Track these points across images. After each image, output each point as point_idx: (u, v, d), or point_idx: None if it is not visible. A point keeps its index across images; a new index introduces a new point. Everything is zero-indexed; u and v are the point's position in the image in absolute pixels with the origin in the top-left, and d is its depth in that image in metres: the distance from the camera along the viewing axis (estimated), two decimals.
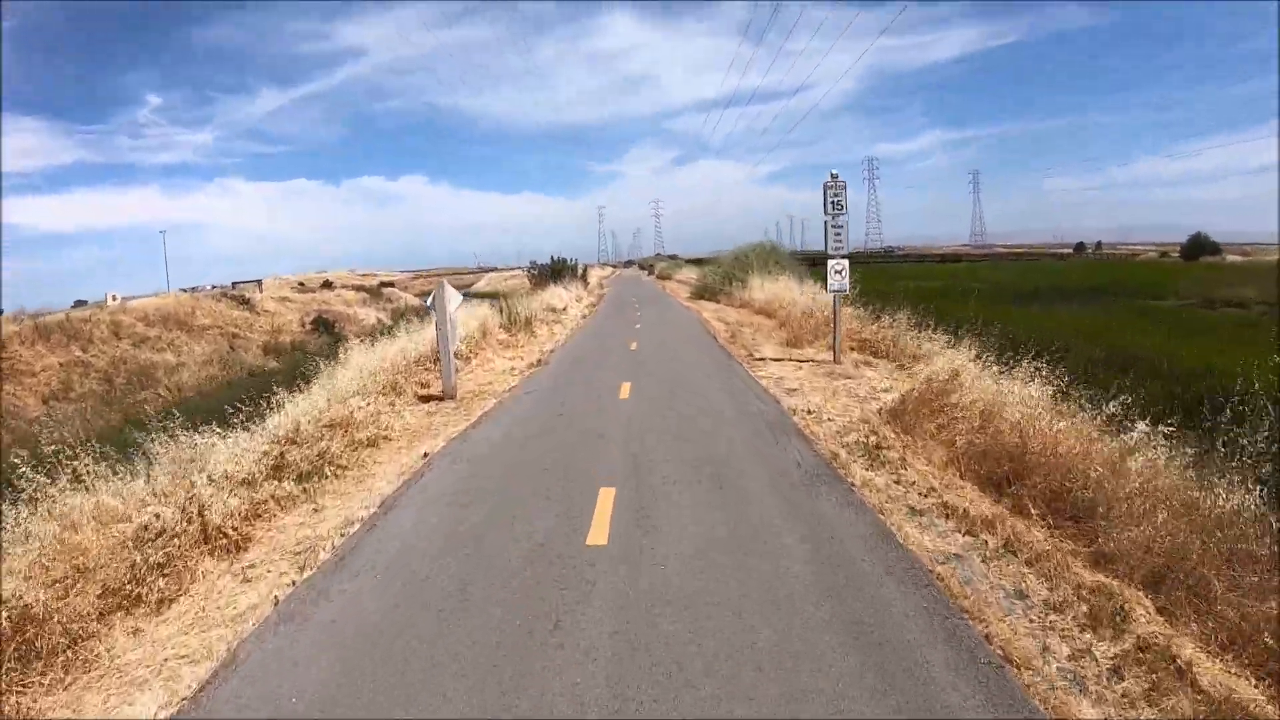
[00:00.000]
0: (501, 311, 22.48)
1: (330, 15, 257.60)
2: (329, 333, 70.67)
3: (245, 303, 71.87)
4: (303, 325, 71.72)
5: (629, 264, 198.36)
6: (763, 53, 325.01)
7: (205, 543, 6.06)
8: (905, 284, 29.46)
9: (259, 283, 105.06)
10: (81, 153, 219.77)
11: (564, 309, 30.54)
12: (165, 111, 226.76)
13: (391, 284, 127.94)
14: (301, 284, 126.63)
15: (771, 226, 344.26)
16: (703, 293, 34.28)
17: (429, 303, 13.00)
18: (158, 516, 5.73)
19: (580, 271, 46.77)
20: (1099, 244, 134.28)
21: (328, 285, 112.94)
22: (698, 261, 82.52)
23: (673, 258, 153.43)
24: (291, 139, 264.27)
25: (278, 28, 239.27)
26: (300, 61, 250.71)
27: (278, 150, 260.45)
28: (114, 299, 68.56)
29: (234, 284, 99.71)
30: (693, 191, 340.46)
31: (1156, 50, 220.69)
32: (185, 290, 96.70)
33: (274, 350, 63.92)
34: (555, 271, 41.83)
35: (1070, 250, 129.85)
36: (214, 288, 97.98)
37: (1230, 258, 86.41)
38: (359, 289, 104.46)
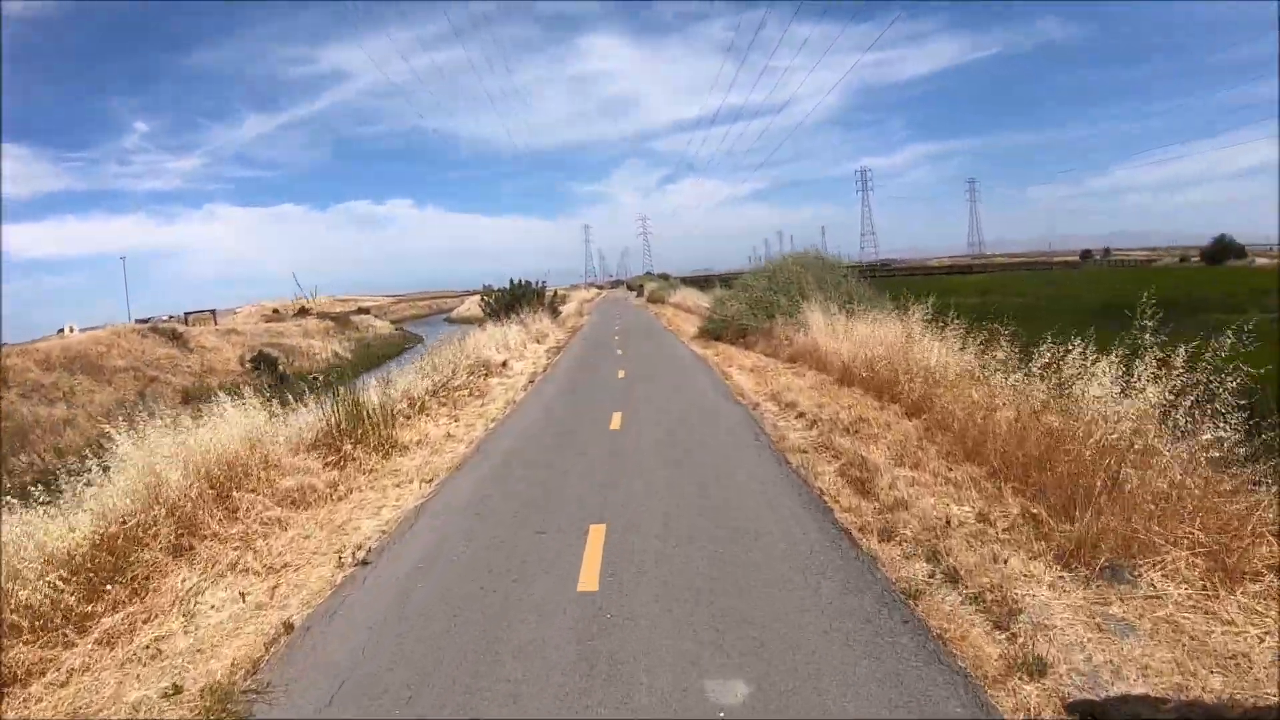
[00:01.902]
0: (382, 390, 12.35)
1: (314, 41, 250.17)
2: (271, 372, 60.22)
3: (176, 338, 61.16)
4: (242, 363, 60.96)
5: (617, 283, 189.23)
6: (746, 71, 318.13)
7: None
8: (936, 300, 20.70)
9: (213, 312, 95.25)
10: (69, 180, 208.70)
11: (503, 364, 19.37)
12: (152, 138, 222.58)
13: (368, 310, 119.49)
14: (276, 311, 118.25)
15: (760, 244, 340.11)
16: (719, 330, 23.07)
17: None
18: None
19: (550, 298, 35.38)
20: (1107, 250, 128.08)
21: (304, 311, 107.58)
22: (697, 283, 71.70)
23: (664, 277, 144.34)
24: (278, 164, 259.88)
25: (262, 54, 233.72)
26: (285, 87, 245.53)
27: (265, 175, 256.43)
28: (70, 330, 62.74)
29: (186, 314, 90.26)
30: (679, 211, 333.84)
31: (1136, 59, 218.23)
32: (141, 321, 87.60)
33: (197, 396, 53.29)
34: (510, 301, 30.71)
35: (1076, 258, 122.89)
36: (170, 318, 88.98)
37: (1259, 260, 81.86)
38: (333, 316, 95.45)
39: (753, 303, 21.10)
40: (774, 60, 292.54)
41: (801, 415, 11.14)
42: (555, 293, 36.21)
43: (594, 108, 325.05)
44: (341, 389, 11.00)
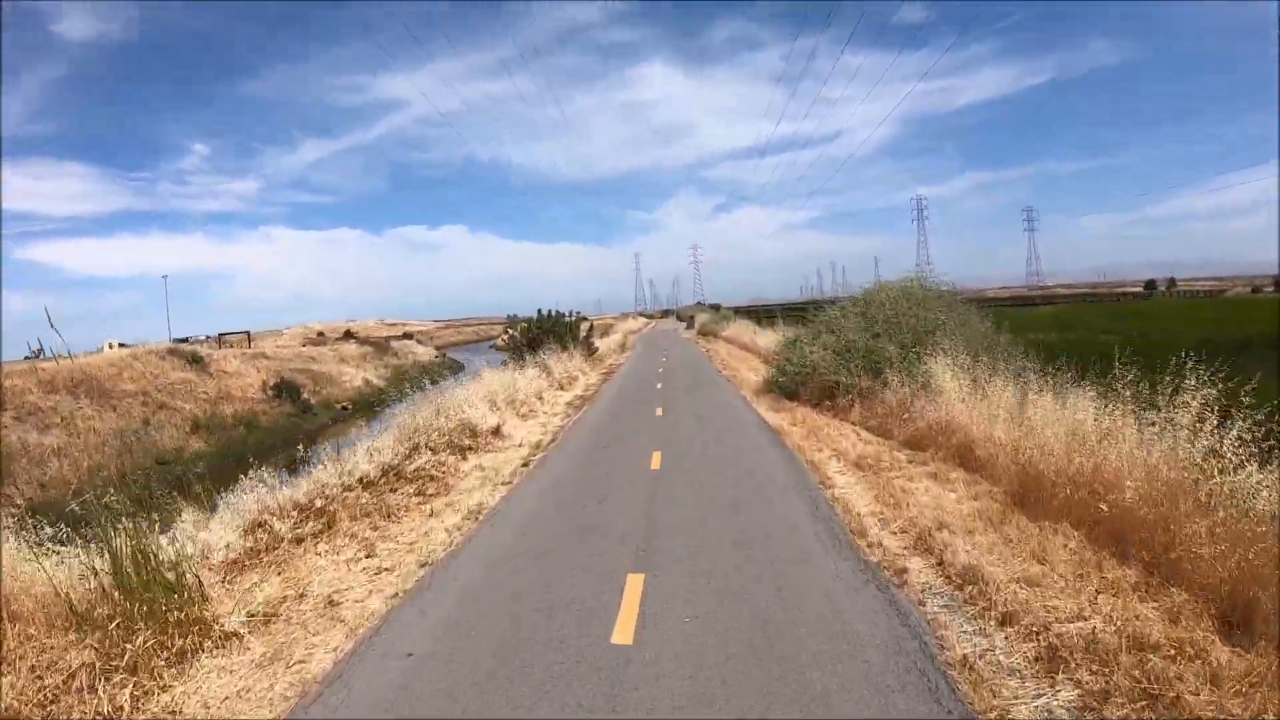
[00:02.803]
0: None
1: (370, 69, 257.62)
2: (293, 400, 56.33)
3: (196, 361, 57.48)
4: (264, 390, 57.05)
5: (667, 313, 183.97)
6: (798, 100, 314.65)
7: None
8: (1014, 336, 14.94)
9: (247, 334, 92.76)
10: (129, 199, 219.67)
11: (495, 429, 13.82)
12: (211, 160, 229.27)
13: (412, 335, 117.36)
14: (321, 334, 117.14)
15: (812, 273, 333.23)
16: (792, 386, 16.45)
17: None
18: None
19: (586, 331, 29.80)
20: (1172, 280, 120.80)
21: (349, 335, 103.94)
22: (752, 315, 65.47)
23: (715, 307, 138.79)
24: (334, 189, 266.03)
25: (320, 80, 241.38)
26: (341, 113, 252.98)
27: (320, 200, 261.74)
28: (112, 346, 59.97)
29: (220, 335, 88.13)
30: (731, 240, 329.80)
31: (1187, 85, 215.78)
32: (179, 340, 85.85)
33: (210, 425, 49.70)
34: (535, 337, 25.23)
35: (1140, 289, 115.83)
36: (206, 338, 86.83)
37: None
38: (372, 341, 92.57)
39: (843, 350, 15.11)
40: (826, 89, 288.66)
41: (1011, 622, 5.01)
42: (591, 325, 30.58)
43: (647, 135, 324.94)
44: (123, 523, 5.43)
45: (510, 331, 27.17)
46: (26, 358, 63.09)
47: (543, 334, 25.70)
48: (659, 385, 21.72)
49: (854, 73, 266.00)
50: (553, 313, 27.42)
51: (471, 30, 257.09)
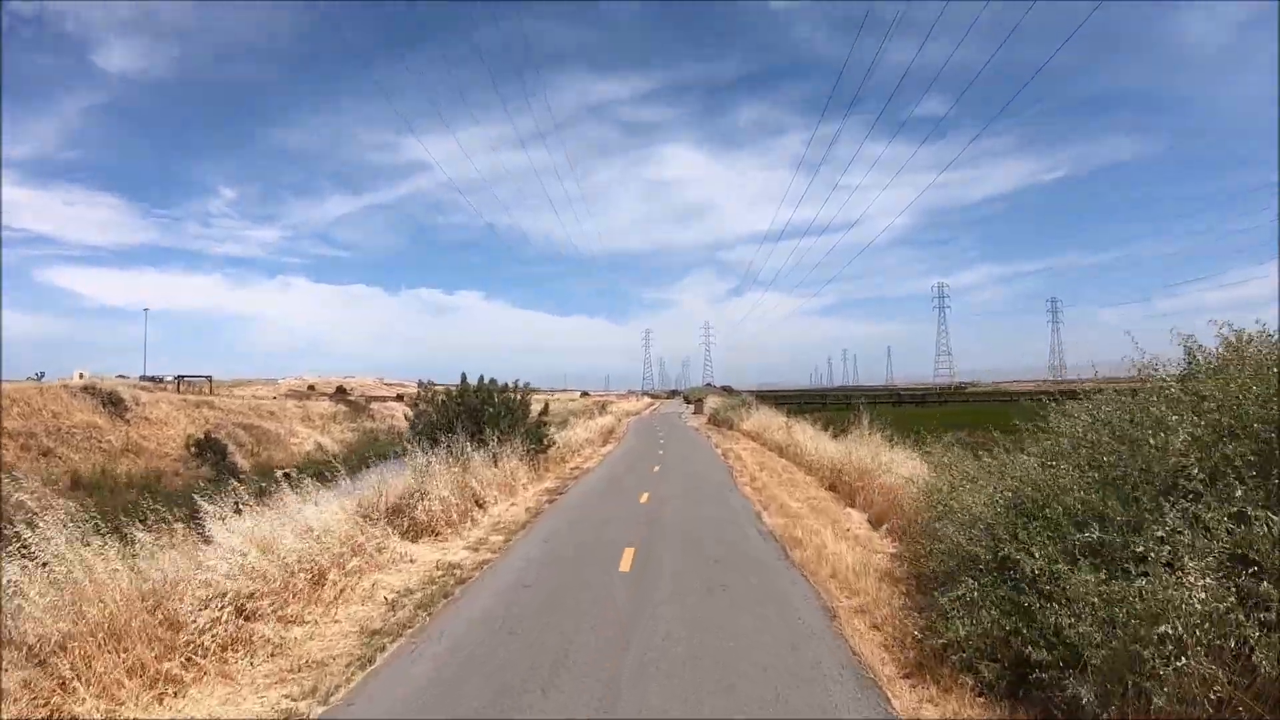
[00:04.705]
0: None
1: (399, 130, 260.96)
2: (218, 461, 46.28)
3: (114, 403, 47.83)
4: (186, 446, 47.56)
5: (674, 394, 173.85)
6: (818, 185, 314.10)
7: None
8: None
9: (209, 378, 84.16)
10: (153, 234, 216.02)
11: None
12: (237, 205, 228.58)
13: (403, 398, 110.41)
14: (312, 387, 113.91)
15: (823, 361, 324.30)
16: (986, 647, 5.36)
17: None
18: None
19: (539, 415, 19.15)
20: None
21: (340, 391, 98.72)
22: (765, 400, 55.04)
23: (727, 389, 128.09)
24: (355, 245, 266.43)
25: (351, 137, 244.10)
26: (370, 170, 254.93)
27: (340, 254, 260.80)
28: (80, 376, 55.24)
29: (179, 377, 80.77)
30: (743, 323, 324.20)
31: (1203, 180, 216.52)
32: (149, 379, 77.82)
33: (96, 484, 40.39)
34: (448, 419, 14.97)
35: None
36: (176, 379, 78.69)
37: None
38: (349, 401, 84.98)
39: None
40: (845, 177, 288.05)
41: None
42: (546, 406, 19.96)
43: (666, 213, 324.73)
44: None
45: (421, 405, 16.73)
46: (29, 379, 55.33)
47: (462, 417, 15.26)
48: (639, 538, 10.98)
49: (874, 161, 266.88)
50: (488, 382, 16.98)
51: (499, 101, 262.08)
